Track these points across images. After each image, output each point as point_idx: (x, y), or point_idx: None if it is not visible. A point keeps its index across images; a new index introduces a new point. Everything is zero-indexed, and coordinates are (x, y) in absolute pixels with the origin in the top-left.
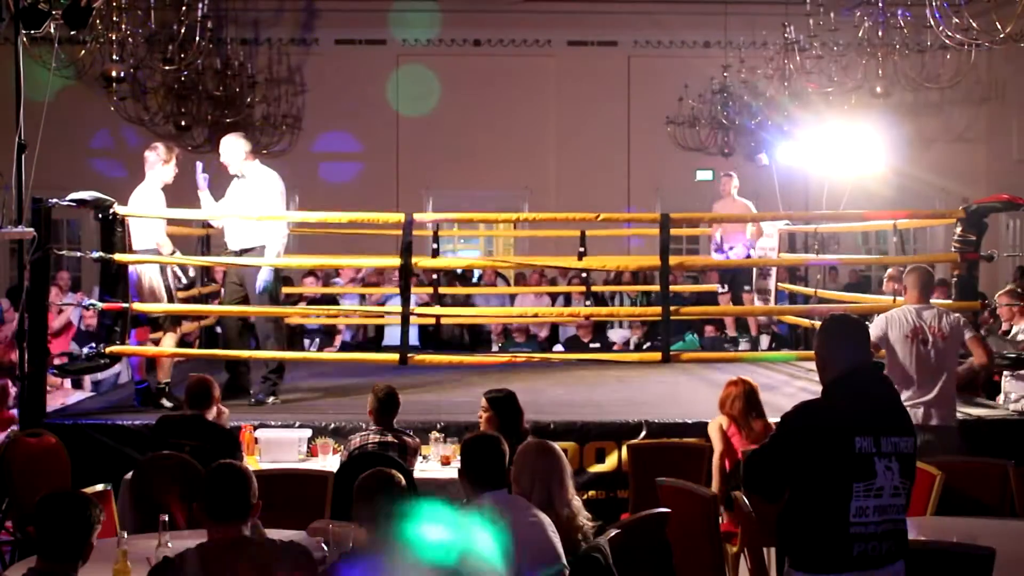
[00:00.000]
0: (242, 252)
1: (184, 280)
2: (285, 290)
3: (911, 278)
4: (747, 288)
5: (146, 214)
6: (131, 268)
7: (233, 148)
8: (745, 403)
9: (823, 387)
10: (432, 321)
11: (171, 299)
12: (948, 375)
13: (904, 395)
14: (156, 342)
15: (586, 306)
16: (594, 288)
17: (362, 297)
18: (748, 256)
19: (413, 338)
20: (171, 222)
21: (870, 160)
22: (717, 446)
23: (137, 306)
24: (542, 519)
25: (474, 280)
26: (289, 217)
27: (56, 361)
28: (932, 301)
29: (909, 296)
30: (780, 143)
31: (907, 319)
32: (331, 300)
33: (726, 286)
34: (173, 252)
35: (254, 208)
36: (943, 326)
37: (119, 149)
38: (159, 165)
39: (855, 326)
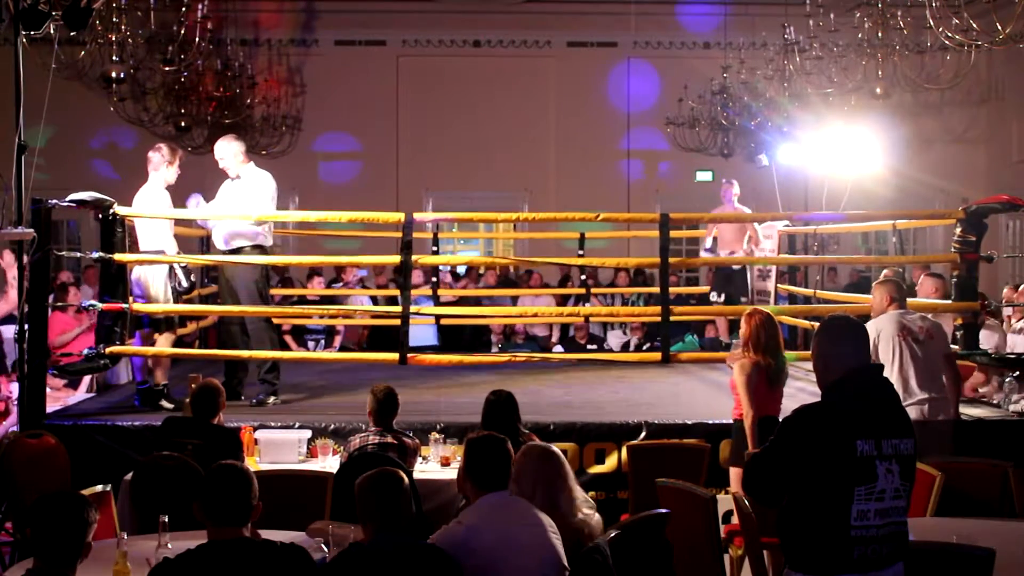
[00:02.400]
0: (231, 253)
1: (184, 284)
2: (289, 291)
3: (888, 288)
4: (744, 299)
5: (152, 214)
6: (135, 273)
7: (229, 150)
8: (768, 332)
9: (822, 389)
10: (431, 321)
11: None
12: (943, 371)
13: (906, 394)
14: (152, 344)
15: (585, 307)
16: (596, 291)
17: (373, 299)
18: (743, 268)
19: (432, 338)
20: (176, 223)
21: (870, 161)
22: (748, 409)
23: (137, 307)
24: (543, 521)
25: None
26: (279, 217)
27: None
28: (932, 301)
29: (891, 305)
30: (780, 144)
31: (895, 322)
32: (331, 300)
33: (722, 295)
34: (178, 254)
35: (244, 209)
36: (928, 326)
37: (119, 150)
38: (164, 166)
39: (855, 327)
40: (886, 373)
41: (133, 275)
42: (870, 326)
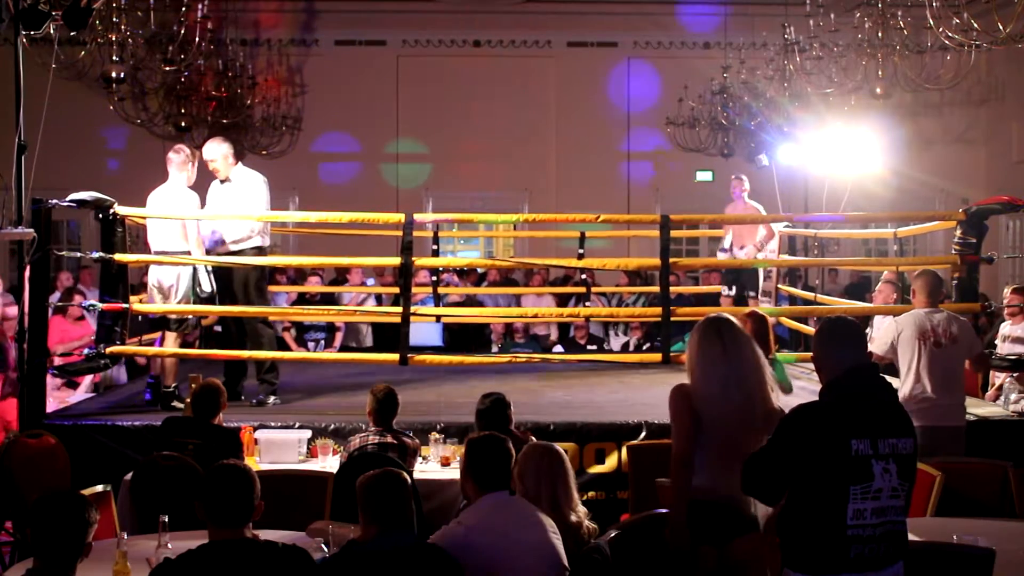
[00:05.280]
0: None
1: (208, 290)
2: (289, 289)
3: (919, 282)
4: (752, 294)
5: (167, 215)
6: (153, 276)
7: (219, 152)
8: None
9: (821, 389)
10: (431, 320)
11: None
12: (959, 377)
13: (919, 396)
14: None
15: (585, 307)
16: (596, 290)
17: (378, 298)
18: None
19: (438, 339)
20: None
21: (870, 161)
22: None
23: (137, 307)
24: (544, 521)
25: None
26: (278, 217)
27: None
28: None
29: (918, 300)
30: (780, 144)
31: (916, 322)
32: (331, 300)
33: (733, 288)
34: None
35: (238, 211)
36: (953, 330)
37: (119, 149)
38: (189, 166)
39: (851, 328)
40: (902, 374)
41: (151, 277)
42: (892, 324)
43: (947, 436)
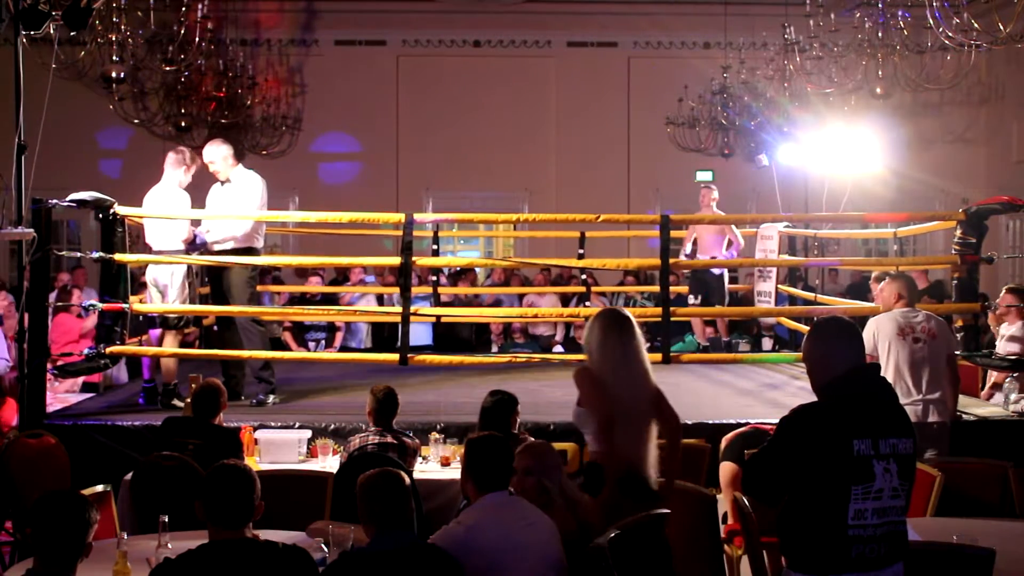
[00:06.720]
0: (222, 254)
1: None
2: (291, 289)
3: (896, 285)
4: (716, 302)
5: (166, 215)
6: (151, 274)
7: (219, 154)
8: None
9: (817, 390)
10: (432, 320)
11: (192, 299)
12: (943, 373)
13: (902, 393)
14: (160, 341)
15: (585, 307)
16: (597, 289)
17: (379, 298)
18: (721, 273)
19: (427, 338)
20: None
21: (870, 161)
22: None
23: (137, 307)
24: (544, 521)
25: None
26: (278, 217)
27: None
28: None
29: (898, 302)
30: (780, 144)
31: (895, 320)
32: (332, 300)
33: (699, 297)
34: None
35: (236, 211)
36: (932, 326)
37: (119, 149)
38: (183, 169)
39: (848, 328)
40: (882, 372)
41: (148, 275)
42: (870, 324)
43: (930, 433)
